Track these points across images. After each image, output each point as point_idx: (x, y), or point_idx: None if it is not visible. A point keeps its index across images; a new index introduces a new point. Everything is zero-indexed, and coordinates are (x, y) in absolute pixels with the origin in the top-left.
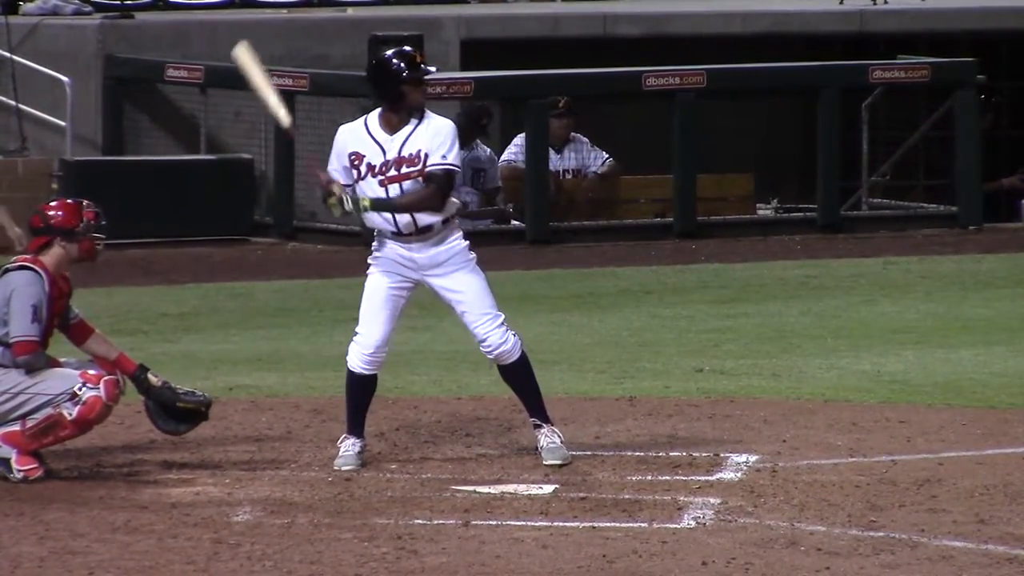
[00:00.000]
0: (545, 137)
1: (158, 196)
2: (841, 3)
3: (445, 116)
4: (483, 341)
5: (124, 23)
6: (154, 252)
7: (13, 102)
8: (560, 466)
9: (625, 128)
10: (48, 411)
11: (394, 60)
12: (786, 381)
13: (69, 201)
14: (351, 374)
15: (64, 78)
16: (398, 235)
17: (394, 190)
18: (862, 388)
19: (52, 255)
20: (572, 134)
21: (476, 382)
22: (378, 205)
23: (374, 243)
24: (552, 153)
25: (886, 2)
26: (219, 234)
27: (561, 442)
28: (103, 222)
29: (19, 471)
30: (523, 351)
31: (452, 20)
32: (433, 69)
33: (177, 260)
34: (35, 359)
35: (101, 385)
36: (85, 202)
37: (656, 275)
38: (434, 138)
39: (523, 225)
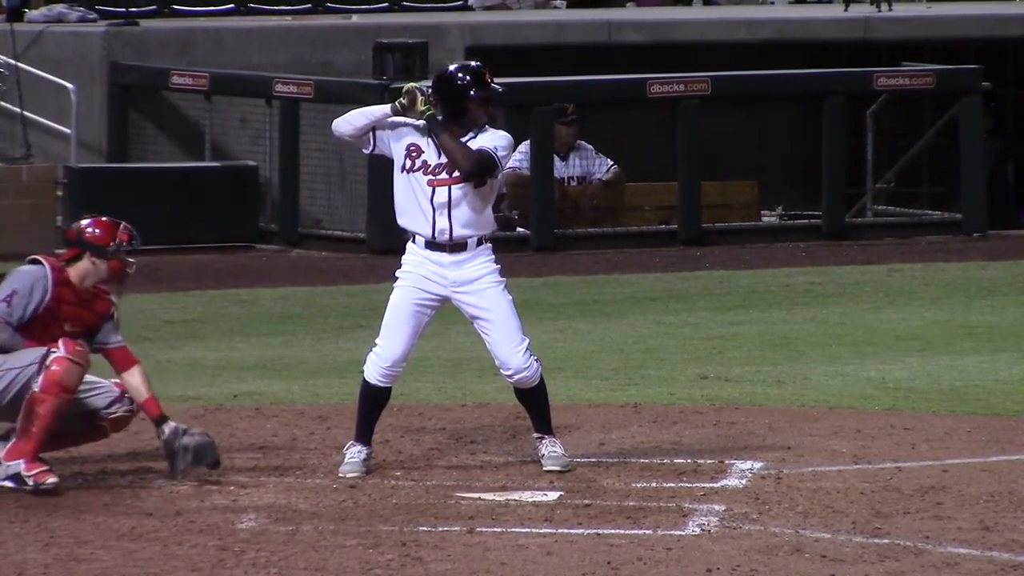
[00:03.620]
0: (550, 144)
1: (163, 203)
2: (846, 10)
3: None
4: (504, 365)
5: (129, 30)
6: (159, 259)
7: (18, 109)
8: (561, 472)
9: (630, 135)
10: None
11: (459, 75)
12: (791, 388)
13: (106, 219)
14: (366, 384)
15: (69, 85)
16: (432, 244)
17: (441, 193)
18: (867, 395)
19: (79, 268)
20: (577, 141)
21: (481, 389)
22: (433, 123)
23: (404, 255)
24: (557, 160)
25: (891, 9)
26: (224, 241)
27: (563, 451)
28: (137, 246)
29: (28, 476)
30: (542, 376)
31: (457, 27)
32: (499, 89)
33: (182, 267)
34: None
35: (60, 344)
36: (122, 224)
37: (661, 282)
38: (490, 142)
39: (528, 232)
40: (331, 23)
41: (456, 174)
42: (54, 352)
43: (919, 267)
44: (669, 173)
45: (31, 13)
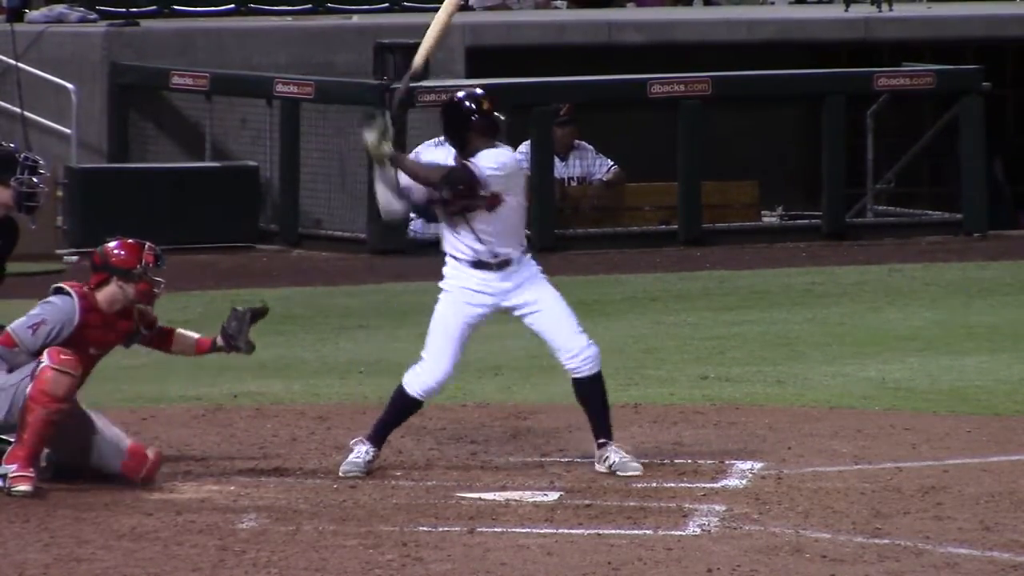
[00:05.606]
0: (550, 144)
1: (163, 203)
2: (846, 11)
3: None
4: (566, 348)
5: (129, 30)
6: None
7: (18, 109)
8: (637, 477)
9: (630, 135)
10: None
11: (466, 103)
12: (791, 388)
13: (130, 241)
14: (405, 395)
15: (69, 85)
16: (478, 264)
17: (472, 218)
18: (867, 395)
19: (107, 292)
20: (576, 141)
21: (481, 389)
22: (395, 159)
23: (446, 267)
24: (557, 160)
25: (891, 9)
26: (224, 241)
27: (630, 456)
28: (163, 266)
29: (8, 479)
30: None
31: (457, 27)
32: (502, 117)
33: (182, 267)
34: (7, 352)
35: (45, 355)
36: (147, 245)
37: (661, 282)
38: (476, 159)
39: (528, 232)
40: (332, 23)
41: (480, 199)
42: (42, 363)
43: (919, 267)
44: (669, 173)
45: (31, 13)
